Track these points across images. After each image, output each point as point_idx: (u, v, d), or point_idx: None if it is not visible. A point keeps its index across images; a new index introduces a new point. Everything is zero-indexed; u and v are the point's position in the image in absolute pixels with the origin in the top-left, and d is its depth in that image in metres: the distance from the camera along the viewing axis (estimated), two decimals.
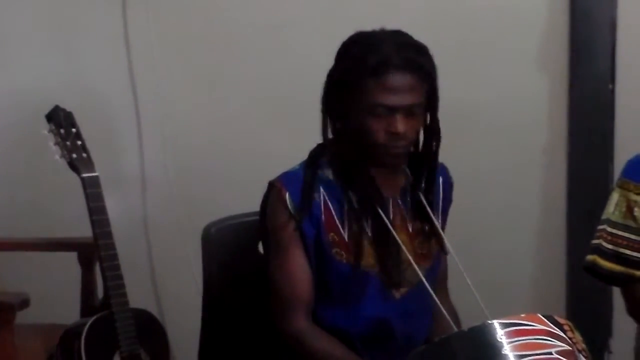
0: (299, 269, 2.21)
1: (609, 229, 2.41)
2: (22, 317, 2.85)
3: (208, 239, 2.46)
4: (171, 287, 3.52)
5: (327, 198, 2.22)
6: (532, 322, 1.80)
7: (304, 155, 2.27)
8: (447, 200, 2.38)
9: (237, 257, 2.48)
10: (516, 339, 1.76)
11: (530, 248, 3.48)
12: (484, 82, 3.35)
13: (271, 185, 2.24)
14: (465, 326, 1.84)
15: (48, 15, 3.46)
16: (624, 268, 2.38)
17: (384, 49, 2.15)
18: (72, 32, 3.47)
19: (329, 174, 2.23)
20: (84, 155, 2.86)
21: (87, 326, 2.77)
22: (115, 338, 2.78)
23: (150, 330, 2.89)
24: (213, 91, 3.46)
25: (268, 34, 3.40)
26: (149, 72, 3.44)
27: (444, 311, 2.23)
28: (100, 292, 2.98)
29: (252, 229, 2.40)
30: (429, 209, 2.27)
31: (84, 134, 2.90)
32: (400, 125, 2.15)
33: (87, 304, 3.04)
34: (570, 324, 1.85)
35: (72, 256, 3.10)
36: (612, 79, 3.34)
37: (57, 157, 2.85)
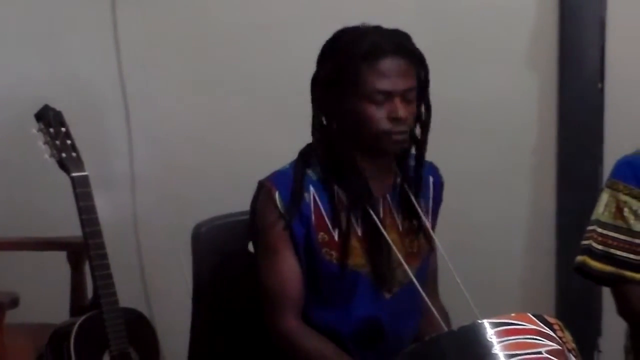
0: (289, 268, 2.21)
1: (599, 230, 2.41)
2: (12, 317, 2.84)
3: (198, 238, 2.46)
4: (161, 286, 3.51)
5: (317, 197, 2.22)
6: (522, 321, 1.80)
7: (294, 155, 2.27)
8: (438, 200, 2.39)
9: (227, 257, 2.48)
10: (506, 338, 1.77)
11: (520, 248, 3.48)
12: (473, 82, 3.35)
13: (261, 184, 2.24)
14: (455, 326, 1.84)
15: (37, 14, 3.45)
16: (614, 268, 2.39)
17: (372, 37, 2.17)
18: (61, 31, 3.46)
19: (319, 173, 2.23)
20: (74, 154, 2.86)
21: (76, 325, 2.77)
22: (104, 337, 2.78)
23: (140, 330, 2.89)
24: (202, 90, 3.46)
25: (258, 33, 3.40)
26: (139, 71, 3.43)
27: (434, 310, 2.23)
28: (89, 292, 2.97)
29: (242, 229, 2.40)
30: (417, 207, 2.27)
31: (74, 133, 2.89)
32: (401, 110, 2.16)
33: (77, 304, 3.04)
34: (560, 323, 1.86)
35: (62, 255, 3.09)
36: (601, 78, 3.34)
37: (46, 156, 2.84)
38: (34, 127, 2.85)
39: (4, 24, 3.45)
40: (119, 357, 2.79)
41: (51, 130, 2.84)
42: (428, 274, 2.36)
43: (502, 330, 1.78)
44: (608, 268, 2.39)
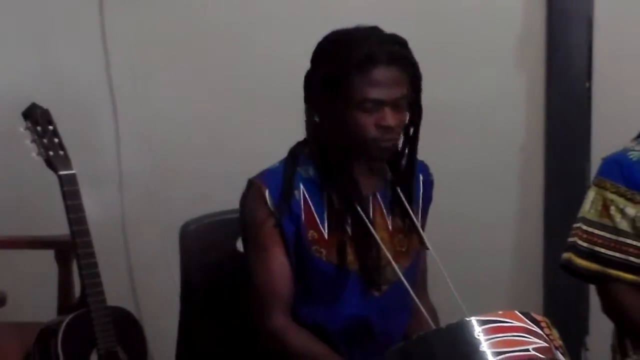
0: (278, 266, 2.21)
1: (584, 227, 2.42)
2: None
3: (186, 236, 2.46)
4: (149, 284, 3.51)
5: (307, 195, 2.22)
6: (510, 319, 1.80)
7: (284, 153, 2.27)
8: (428, 198, 2.39)
9: (215, 255, 2.47)
10: (493, 336, 1.77)
11: (507, 246, 3.49)
12: (462, 81, 3.36)
13: (251, 182, 2.23)
14: (444, 324, 1.85)
15: (24, 13, 3.44)
16: (599, 266, 2.39)
17: (368, 45, 2.16)
18: (49, 28, 3.45)
19: (309, 171, 2.23)
20: (61, 152, 2.85)
21: (64, 324, 2.76)
22: (92, 336, 2.77)
23: (127, 328, 2.88)
24: (190, 89, 3.46)
25: (245, 31, 3.40)
26: (127, 70, 3.43)
27: (423, 309, 2.23)
28: (77, 290, 2.97)
29: (230, 227, 2.40)
30: (407, 205, 2.27)
31: (61, 131, 2.88)
32: (390, 118, 2.16)
33: (64, 302, 3.03)
34: (547, 321, 1.86)
35: (49, 254, 3.08)
36: (589, 77, 3.35)
37: (34, 154, 2.83)
38: (21, 126, 2.85)
39: None
40: (107, 355, 2.78)
41: (38, 128, 2.83)
42: (418, 273, 2.36)
43: (490, 327, 1.78)
44: (593, 266, 2.40)
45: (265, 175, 2.22)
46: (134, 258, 3.53)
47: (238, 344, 2.40)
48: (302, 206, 2.21)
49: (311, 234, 2.21)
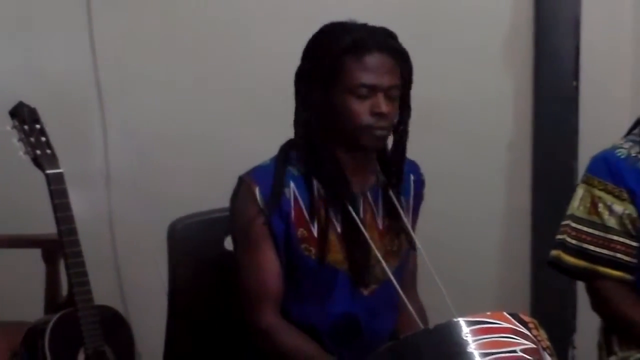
0: (268, 263, 2.20)
1: (573, 224, 2.42)
2: None
3: (174, 235, 2.45)
4: (136, 284, 3.50)
5: (297, 193, 2.21)
6: (498, 320, 1.81)
7: (273, 151, 2.27)
8: (418, 197, 2.39)
9: (203, 254, 2.47)
10: (481, 337, 1.77)
11: (495, 244, 3.50)
12: (450, 81, 3.36)
13: (241, 180, 2.23)
14: (432, 324, 1.85)
15: (11, 10, 3.43)
16: (588, 264, 2.40)
17: (358, 32, 2.17)
18: (35, 27, 3.44)
19: (299, 169, 2.23)
20: (48, 151, 2.84)
21: (51, 323, 2.75)
22: (79, 335, 2.76)
23: (115, 327, 2.87)
24: (178, 87, 3.45)
25: (234, 29, 3.40)
26: (114, 68, 3.42)
27: (411, 309, 2.24)
28: (64, 289, 2.96)
29: (218, 226, 2.39)
30: (398, 205, 2.28)
31: (49, 130, 2.87)
32: (384, 105, 2.16)
33: (52, 301, 3.03)
34: (535, 321, 1.87)
35: (36, 253, 3.07)
36: (576, 76, 3.36)
37: (21, 153, 2.82)
38: (8, 125, 2.83)
39: None
40: (94, 355, 2.77)
41: (26, 127, 2.82)
42: (407, 272, 2.36)
43: (478, 328, 1.78)
44: (582, 263, 2.40)
45: (256, 173, 2.22)
46: (122, 257, 3.52)
47: (227, 342, 2.40)
48: (292, 204, 2.21)
49: (301, 231, 2.21)
